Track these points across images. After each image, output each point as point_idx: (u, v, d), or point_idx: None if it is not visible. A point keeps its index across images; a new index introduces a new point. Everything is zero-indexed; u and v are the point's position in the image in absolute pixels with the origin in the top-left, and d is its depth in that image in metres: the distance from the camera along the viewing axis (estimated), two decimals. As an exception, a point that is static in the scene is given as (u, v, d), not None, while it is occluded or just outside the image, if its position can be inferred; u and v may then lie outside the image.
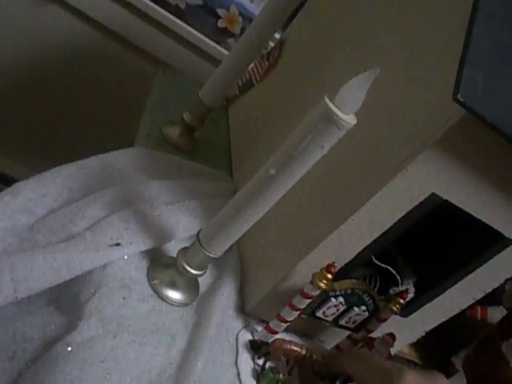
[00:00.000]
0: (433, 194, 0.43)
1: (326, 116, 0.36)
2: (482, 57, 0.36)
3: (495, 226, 0.46)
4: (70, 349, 0.39)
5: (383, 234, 0.46)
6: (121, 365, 0.40)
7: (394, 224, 0.45)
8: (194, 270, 0.48)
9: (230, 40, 1.16)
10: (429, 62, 0.42)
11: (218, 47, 1.14)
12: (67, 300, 0.45)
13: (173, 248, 0.53)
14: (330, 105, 0.36)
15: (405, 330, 0.59)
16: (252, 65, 0.84)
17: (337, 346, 0.58)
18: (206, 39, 1.14)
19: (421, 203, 0.43)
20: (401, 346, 0.61)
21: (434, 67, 0.41)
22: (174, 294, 0.49)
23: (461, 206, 0.44)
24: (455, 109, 0.36)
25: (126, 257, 0.48)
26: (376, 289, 0.58)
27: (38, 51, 1.16)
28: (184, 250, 0.48)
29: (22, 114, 1.25)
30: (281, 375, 0.49)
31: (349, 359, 0.47)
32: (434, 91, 0.40)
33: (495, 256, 0.50)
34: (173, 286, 0.50)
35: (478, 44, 0.36)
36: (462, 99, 0.34)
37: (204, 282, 0.54)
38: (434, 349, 0.63)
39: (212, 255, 0.46)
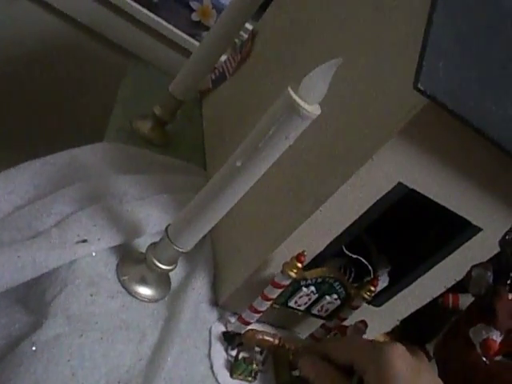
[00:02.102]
0: (399, 184, 0.43)
1: (289, 106, 0.36)
2: (443, 45, 0.37)
3: (462, 214, 0.47)
4: (34, 348, 0.38)
5: (352, 224, 0.46)
6: (88, 363, 0.40)
7: (363, 214, 0.45)
8: (164, 265, 0.47)
9: (204, 33, 1.15)
10: (391, 51, 0.42)
11: (191, 40, 1.13)
12: (33, 298, 0.44)
13: (143, 243, 0.52)
14: (294, 95, 0.36)
15: (379, 320, 0.59)
16: (225, 57, 0.83)
17: (311, 335, 0.58)
18: (180, 32, 1.12)
19: (388, 193, 0.44)
20: (375, 336, 0.61)
21: (396, 56, 0.41)
22: (145, 290, 0.49)
23: (427, 195, 0.44)
24: (418, 98, 0.36)
25: (93, 253, 0.48)
26: (351, 279, 0.58)
27: (6, 44, 1.14)
28: (153, 246, 0.48)
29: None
30: (254, 365, 0.49)
31: (330, 342, 0.48)
32: (397, 80, 0.40)
33: (464, 244, 0.50)
34: (143, 281, 0.49)
35: (439, 32, 0.36)
36: (422, 88, 0.34)
37: (176, 277, 0.53)
38: (409, 337, 0.64)
39: (181, 250, 0.46)
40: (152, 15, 1.10)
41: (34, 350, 0.38)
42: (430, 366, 0.42)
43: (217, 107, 0.81)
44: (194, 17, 1.14)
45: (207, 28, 1.14)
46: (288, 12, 0.68)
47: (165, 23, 1.11)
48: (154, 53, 1.13)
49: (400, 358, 0.39)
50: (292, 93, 0.36)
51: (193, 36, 1.14)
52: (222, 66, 0.84)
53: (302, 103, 0.36)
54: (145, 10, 1.09)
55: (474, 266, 0.50)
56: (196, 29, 1.14)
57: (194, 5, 1.13)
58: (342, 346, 0.44)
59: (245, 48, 0.77)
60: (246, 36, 0.87)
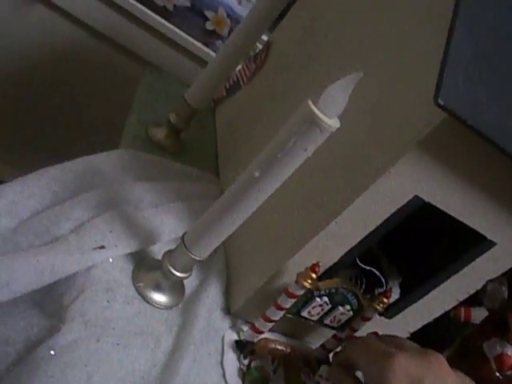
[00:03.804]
0: (416, 197, 0.43)
1: (309, 119, 0.37)
2: (463, 60, 0.37)
3: (477, 229, 0.47)
4: (52, 352, 0.39)
5: (367, 236, 0.47)
6: (104, 368, 0.40)
7: (378, 226, 0.46)
8: (179, 272, 0.48)
9: (218, 42, 1.16)
10: (411, 65, 0.43)
11: (205, 49, 1.14)
12: (50, 303, 0.44)
13: (158, 250, 0.53)
14: (314, 108, 0.36)
15: (390, 332, 0.59)
16: (239, 66, 0.84)
17: (322, 346, 0.58)
18: (194, 41, 1.14)
19: (404, 205, 0.44)
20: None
21: (414, 70, 0.42)
22: (159, 297, 0.49)
23: (443, 209, 0.44)
24: (436, 112, 0.36)
25: (110, 259, 0.48)
26: (362, 289, 0.59)
27: (25, 52, 1.15)
28: (169, 253, 0.48)
29: (7, 114, 1.24)
30: (266, 374, 0.49)
31: (350, 345, 0.48)
32: (416, 94, 0.41)
33: (478, 258, 0.50)
34: (158, 288, 0.49)
35: (459, 47, 0.37)
36: (442, 102, 0.35)
37: (189, 284, 0.53)
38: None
39: (197, 258, 0.46)
40: (167, 23, 1.11)
41: (52, 355, 0.39)
42: (443, 370, 0.41)
43: (230, 115, 0.81)
44: (209, 26, 1.15)
45: (221, 37, 1.15)
46: (304, 23, 0.69)
47: (179, 31, 1.12)
48: (168, 60, 1.15)
49: (401, 370, 0.39)
50: (312, 106, 0.36)
51: (207, 45, 1.16)
52: (236, 75, 0.85)
53: (321, 116, 0.36)
54: (160, 19, 1.10)
55: (489, 281, 0.50)
56: (210, 37, 1.15)
57: (208, 14, 1.14)
58: (356, 351, 0.44)
59: (259, 57, 0.78)
60: (260, 46, 0.88)
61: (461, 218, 0.46)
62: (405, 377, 0.39)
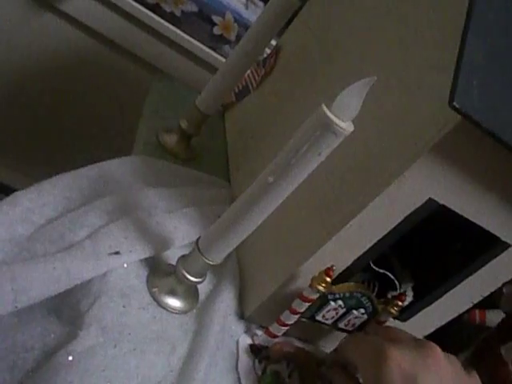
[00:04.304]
0: (430, 200, 0.43)
1: (323, 123, 0.37)
2: (477, 63, 0.37)
3: (492, 230, 0.47)
4: (70, 358, 0.39)
5: (381, 239, 0.47)
6: (122, 373, 0.40)
7: (392, 229, 0.46)
8: (194, 277, 0.48)
9: (226, 47, 1.16)
10: (424, 68, 0.43)
11: (213, 54, 1.15)
12: (67, 309, 0.45)
13: (172, 255, 0.53)
14: (328, 112, 0.37)
15: (404, 335, 0.59)
16: (249, 71, 0.84)
17: (336, 350, 0.58)
18: (202, 46, 1.14)
19: (418, 208, 0.44)
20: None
21: (429, 73, 0.42)
22: (174, 302, 0.50)
23: (457, 211, 0.44)
24: (451, 115, 0.36)
25: (125, 265, 0.48)
26: (375, 293, 0.59)
27: (35, 60, 1.16)
28: (183, 258, 0.49)
29: (20, 122, 1.25)
30: (281, 378, 0.49)
31: (344, 343, 0.47)
32: (430, 97, 0.41)
33: (493, 260, 0.50)
34: (172, 293, 0.50)
35: (473, 50, 0.37)
36: (457, 105, 0.35)
37: (203, 289, 0.54)
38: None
39: (211, 262, 0.46)
40: (175, 29, 1.12)
41: (70, 361, 0.39)
42: (439, 362, 0.40)
43: (240, 120, 0.82)
44: (216, 31, 1.15)
45: (229, 42, 1.16)
46: (313, 28, 0.69)
47: (187, 37, 1.13)
48: (177, 66, 1.15)
49: (394, 365, 0.39)
50: (326, 110, 0.37)
51: (214, 49, 1.16)
52: (245, 80, 0.85)
53: (336, 120, 0.36)
54: (168, 24, 1.11)
55: (505, 284, 0.50)
56: (218, 42, 1.16)
57: (215, 19, 1.15)
58: (350, 350, 0.44)
59: (268, 62, 0.79)
60: (268, 51, 0.88)
61: (475, 220, 0.46)
62: (399, 374, 0.39)
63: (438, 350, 0.41)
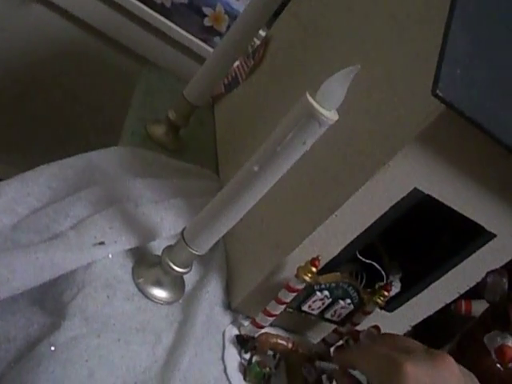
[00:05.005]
0: (415, 189, 0.43)
1: (307, 112, 0.37)
2: (460, 52, 0.37)
3: (477, 220, 0.47)
4: (53, 348, 0.39)
5: (367, 229, 0.47)
6: (105, 364, 0.40)
7: (378, 219, 0.46)
8: (179, 267, 0.48)
9: (217, 38, 1.15)
10: (409, 58, 0.43)
11: (203, 45, 1.14)
12: (51, 300, 0.44)
13: (158, 246, 0.53)
14: (312, 101, 0.36)
15: (391, 325, 0.59)
16: (238, 63, 0.84)
17: (323, 340, 0.58)
18: (192, 37, 1.13)
19: (403, 198, 0.44)
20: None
21: (412, 63, 0.42)
22: (160, 293, 0.49)
23: (443, 201, 0.44)
24: (434, 104, 0.36)
25: (110, 256, 0.48)
26: (363, 284, 0.59)
27: (22, 51, 1.15)
28: (169, 248, 0.48)
29: (5, 112, 1.24)
30: (267, 369, 0.49)
31: (356, 354, 0.47)
32: (414, 87, 0.41)
33: (478, 250, 0.50)
34: (158, 284, 0.49)
35: (456, 40, 0.37)
36: (441, 94, 0.35)
37: (190, 279, 0.53)
38: (422, 343, 0.64)
39: (197, 252, 0.46)
40: (165, 20, 1.11)
41: (53, 351, 0.39)
42: (452, 373, 0.40)
43: (229, 112, 0.81)
44: (207, 22, 1.14)
45: (219, 33, 1.15)
46: (302, 19, 0.69)
47: (177, 28, 1.12)
48: (167, 57, 1.14)
49: (412, 379, 0.38)
50: (310, 99, 0.36)
51: (205, 41, 1.15)
52: (234, 71, 0.85)
53: (320, 109, 0.36)
54: (158, 16, 1.10)
55: (489, 273, 0.50)
56: (208, 34, 1.15)
57: (206, 10, 1.14)
58: (362, 359, 0.44)
59: (257, 54, 0.78)
60: (258, 42, 0.88)
61: (460, 210, 0.46)
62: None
63: (452, 360, 0.41)
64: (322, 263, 0.49)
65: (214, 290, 0.53)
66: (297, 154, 0.39)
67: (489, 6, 0.40)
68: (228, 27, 1.14)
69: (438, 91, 0.35)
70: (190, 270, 0.49)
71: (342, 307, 0.53)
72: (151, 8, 1.09)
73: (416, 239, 0.58)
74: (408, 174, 0.42)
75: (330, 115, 0.37)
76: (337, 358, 0.48)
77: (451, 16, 0.37)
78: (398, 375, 0.39)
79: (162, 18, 1.11)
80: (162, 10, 1.11)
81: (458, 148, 0.41)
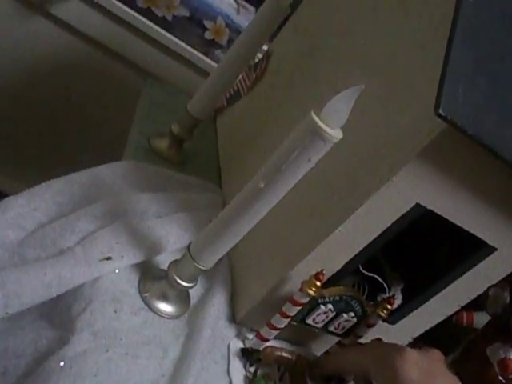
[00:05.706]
0: (417, 205, 0.44)
1: (312, 130, 0.37)
2: (463, 70, 0.38)
3: (478, 234, 0.48)
4: (62, 363, 0.39)
5: (370, 243, 0.47)
6: (114, 378, 0.41)
7: (380, 234, 0.46)
8: (185, 282, 0.48)
9: (218, 51, 1.17)
10: (411, 76, 0.44)
11: (205, 58, 1.15)
12: (59, 314, 0.45)
13: (163, 260, 0.53)
14: (317, 120, 0.37)
15: (393, 337, 0.59)
16: (240, 76, 0.85)
17: (326, 352, 0.58)
18: (193, 50, 1.15)
19: (406, 213, 0.45)
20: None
21: (416, 81, 0.43)
22: (166, 307, 0.50)
23: (444, 216, 0.45)
24: (437, 122, 0.37)
25: (116, 270, 0.49)
26: (365, 296, 0.59)
27: (25, 64, 1.16)
28: (175, 263, 0.49)
29: (10, 127, 1.25)
30: (272, 382, 0.50)
31: (349, 353, 0.48)
32: (417, 105, 0.41)
33: (479, 263, 0.51)
34: (164, 298, 0.50)
35: (458, 58, 0.38)
36: (443, 113, 0.36)
37: (195, 293, 0.54)
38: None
39: (203, 267, 0.47)
40: (166, 34, 1.12)
41: (62, 366, 0.39)
42: (445, 367, 0.42)
43: (231, 125, 0.82)
44: (207, 35, 1.16)
45: (220, 46, 1.16)
46: (304, 34, 0.70)
47: (179, 41, 1.13)
48: (169, 71, 1.16)
49: (412, 363, 0.40)
50: (315, 117, 0.37)
51: (206, 54, 1.16)
52: (236, 84, 0.85)
53: (324, 127, 0.37)
54: (159, 29, 1.11)
55: (491, 286, 0.51)
56: (209, 47, 1.16)
57: (207, 23, 1.15)
58: (361, 354, 0.45)
59: (259, 67, 0.79)
60: (260, 55, 0.89)
61: (461, 225, 0.46)
62: (417, 368, 0.40)
63: (442, 355, 0.43)
64: (326, 277, 0.50)
65: (218, 304, 0.54)
66: (302, 171, 0.40)
67: (491, 23, 0.41)
68: (229, 40, 1.15)
69: (440, 110, 0.35)
70: (196, 284, 0.49)
71: (346, 320, 0.53)
72: (153, 21, 1.11)
73: (417, 251, 0.59)
74: (410, 190, 0.43)
75: (335, 133, 0.37)
76: (328, 361, 0.49)
77: (453, 32, 0.38)
78: (401, 358, 0.40)
79: (164, 32, 1.12)
80: (163, 23, 1.12)
81: (460, 164, 0.42)
